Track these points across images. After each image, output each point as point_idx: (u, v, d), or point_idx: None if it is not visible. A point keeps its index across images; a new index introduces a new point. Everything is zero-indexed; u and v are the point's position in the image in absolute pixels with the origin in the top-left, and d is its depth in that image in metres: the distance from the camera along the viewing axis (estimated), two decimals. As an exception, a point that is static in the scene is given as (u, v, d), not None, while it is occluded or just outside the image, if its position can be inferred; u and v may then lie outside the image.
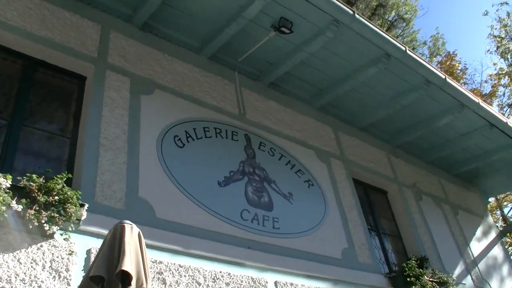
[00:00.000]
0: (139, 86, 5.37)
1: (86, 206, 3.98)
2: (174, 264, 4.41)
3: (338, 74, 6.79)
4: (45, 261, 3.70)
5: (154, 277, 4.21)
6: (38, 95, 4.84)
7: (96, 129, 4.72)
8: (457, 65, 17.67)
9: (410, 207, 7.71)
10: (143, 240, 3.01)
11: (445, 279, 6.43)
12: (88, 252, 3.99)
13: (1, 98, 4.60)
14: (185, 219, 4.76)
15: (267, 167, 5.94)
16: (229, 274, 4.71)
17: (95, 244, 4.05)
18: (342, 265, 5.80)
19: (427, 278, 6.16)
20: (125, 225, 2.83)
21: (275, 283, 5.02)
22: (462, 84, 16.47)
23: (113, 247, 2.62)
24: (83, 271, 3.87)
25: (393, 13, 19.57)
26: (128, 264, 2.44)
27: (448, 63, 17.51)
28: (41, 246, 3.75)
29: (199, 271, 4.53)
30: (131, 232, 2.80)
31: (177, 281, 4.33)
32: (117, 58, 5.43)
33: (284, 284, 5.06)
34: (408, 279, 6.00)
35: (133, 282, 2.51)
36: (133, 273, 2.49)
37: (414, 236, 7.30)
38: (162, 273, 4.28)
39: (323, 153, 6.92)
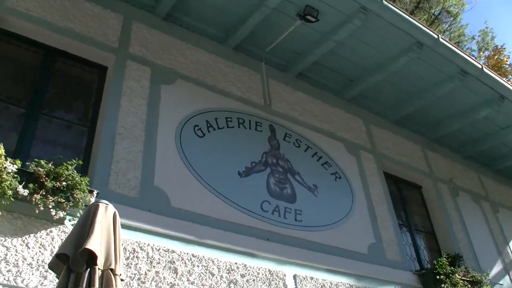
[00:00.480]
0: (160, 76, 5.29)
1: (96, 192, 3.90)
2: (187, 253, 4.29)
3: (368, 63, 6.48)
4: (54, 246, 3.65)
5: (165, 266, 4.10)
6: (57, 85, 4.83)
7: (114, 118, 4.66)
8: (505, 59, 16.76)
9: (446, 203, 7.29)
10: (118, 221, 2.86)
11: (479, 278, 6.01)
12: (99, 239, 3.92)
13: (21, 87, 4.61)
14: (201, 208, 4.63)
15: (291, 158, 5.73)
16: (244, 265, 4.54)
17: (107, 231, 3.98)
18: (368, 261, 5.52)
19: (459, 277, 5.77)
20: (100, 204, 2.69)
21: (294, 276, 4.81)
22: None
23: (85, 226, 2.49)
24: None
25: (439, 7, 18.83)
26: (95, 244, 2.31)
27: (496, 57, 16.63)
28: (51, 231, 3.71)
29: (213, 261, 4.38)
30: (105, 212, 2.66)
31: (189, 270, 4.20)
32: (139, 48, 5.36)
33: (304, 278, 4.85)
34: (438, 277, 5.63)
35: (100, 262, 2.37)
36: (99, 252, 2.35)
37: (448, 233, 6.89)
38: (174, 262, 4.16)
39: (352, 145, 6.64)
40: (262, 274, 4.60)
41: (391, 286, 5.51)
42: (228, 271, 4.42)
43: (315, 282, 4.91)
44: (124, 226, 3.96)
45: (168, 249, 4.21)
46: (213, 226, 4.59)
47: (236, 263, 4.50)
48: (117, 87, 4.90)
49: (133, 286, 3.86)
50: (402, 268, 5.81)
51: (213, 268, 4.35)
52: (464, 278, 5.91)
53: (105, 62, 5.13)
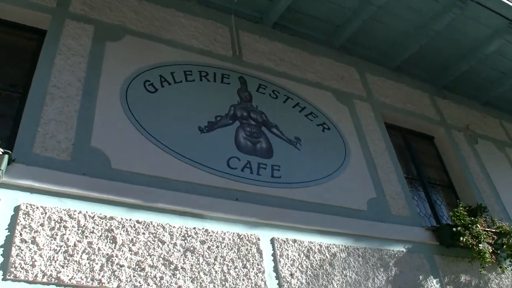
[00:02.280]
0: (105, 33, 4.51)
1: (7, 155, 3.13)
2: (130, 220, 3.44)
3: (352, 3, 5.48)
4: None
5: (101, 236, 3.26)
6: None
7: (46, 78, 3.90)
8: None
9: (463, 153, 6.15)
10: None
11: (507, 228, 4.87)
12: (17, 209, 3.12)
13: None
14: (149, 169, 3.78)
15: (267, 110, 4.81)
16: (206, 230, 3.65)
17: (28, 199, 3.20)
18: (368, 218, 4.51)
19: (481, 228, 4.66)
20: None
21: (272, 240, 3.87)
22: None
23: None
24: (7, 230, 3.03)
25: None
26: None
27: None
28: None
29: (163, 227, 3.51)
30: None
31: (132, 239, 3.35)
32: (80, 6, 4.60)
33: (284, 241, 3.90)
34: (455, 229, 4.55)
35: None
36: None
37: (469, 184, 5.75)
38: (112, 230, 3.32)
39: (343, 94, 5.65)
40: (229, 239, 3.70)
41: (399, 245, 4.48)
42: (183, 238, 3.54)
43: (299, 245, 3.95)
44: (51, 193, 3.28)
45: (105, 216, 3.37)
46: (165, 188, 3.73)
47: (194, 228, 3.62)
48: (52, 47, 4.14)
49: (58, 260, 3.04)
50: (412, 224, 4.76)
51: (164, 235, 3.48)
52: (488, 229, 4.80)
53: (42, 25, 4.39)
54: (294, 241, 3.95)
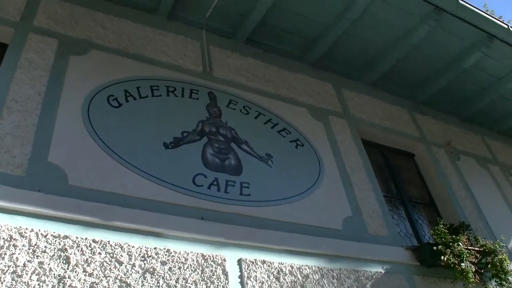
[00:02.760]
0: (69, 47, 4.45)
1: None
2: (86, 239, 3.30)
3: (328, 17, 5.48)
4: None
5: (53, 256, 3.12)
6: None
7: (3, 91, 3.80)
8: None
9: (445, 169, 6.09)
10: None
11: (491, 247, 4.78)
12: (-39, 227, 3.01)
13: None
14: (109, 186, 3.66)
15: (237, 126, 4.74)
16: (167, 250, 3.51)
17: (-27, 217, 3.09)
18: (344, 237, 4.41)
19: (463, 246, 4.57)
20: None
21: (239, 261, 3.73)
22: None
23: None
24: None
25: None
26: None
27: None
28: None
29: (121, 247, 3.38)
30: None
31: (87, 259, 3.21)
32: (45, 20, 4.55)
33: (252, 263, 3.77)
34: (435, 248, 4.45)
35: None
36: None
37: (451, 202, 5.67)
38: (66, 250, 3.18)
39: (319, 111, 5.60)
40: (193, 260, 3.56)
41: (376, 265, 4.35)
42: (143, 258, 3.40)
43: (269, 266, 3.82)
44: (2, 210, 3.16)
45: (59, 235, 3.24)
46: (124, 205, 3.61)
47: (155, 248, 3.49)
48: (13, 60, 4.06)
49: (5, 281, 2.90)
50: (390, 243, 4.65)
51: (122, 256, 3.34)
52: (471, 248, 4.70)
53: (4, 39, 4.33)
54: (263, 262, 3.82)
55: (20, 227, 3.15)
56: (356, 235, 4.50)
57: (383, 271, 4.33)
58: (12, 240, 3.07)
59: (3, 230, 3.09)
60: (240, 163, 4.42)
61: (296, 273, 3.90)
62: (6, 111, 3.71)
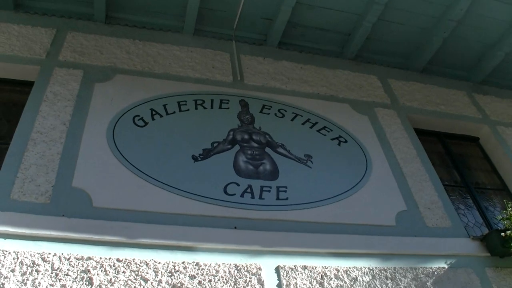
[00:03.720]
0: (94, 75, 4.57)
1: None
2: (110, 259, 3.25)
3: (355, 6, 5.23)
4: None
5: (76, 278, 3.09)
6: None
7: (29, 125, 3.95)
8: None
9: (516, 149, 5.48)
10: None
11: None
12: (-11, 257, 3.09)
13: None
14: (135, 204, 3.62)
15: (272, 130, 4.56)
16: (196, 264, 3.37)
17: (0, 245, 3.15)
18: (398, 234, 4.02)
19: (540, 230, 3.98)
20: None
21: (277, 268, 3.50)
22: None
23: None
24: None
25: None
26: None
27: None
28: None
29: (147, 264, 3.29)
30: None
31: (110, 279, 3.15)
32: (70, 54, 4.73)
33: (292, 269, 3.51)
34: (503, 234, 3.92)
35: None
36: None
37: (527, 184, 5.07)
38: (89, 271, 3.15)
39: (362, 104, 5.30)
40: (224, 272, 3.38)
41: (438, 261, 3.91)
42: (170, 274, 3.28)
43: (311, 272, 3.54)
44: (25, 237, 3.22)
45: (82, 257, 3.22)
46: (151, 222, 3.53)
47: (183, 263, 3.36)
48: (39, 95, 4.23)
49: (28, 307, 2.92)
50: (454, 235, 4.17)
51: (147, 273, 3.24)
52: (554, 232, 4.09)
53: (31, 77, 4.54)
54: (304, 267, 3.56)
55: (43, 252, 3.17)
56: (413, 230, 4.09)
57: (446, 266, 3.87)
58: (35, 265, 3.09)
59: (26, 257, 3.12)
60: (276, 167, 4.23)
61: (343, 277, 3.58)
62: (30, 143, 3.82)
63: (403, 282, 3.68)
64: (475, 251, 4.08)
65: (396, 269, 3.76)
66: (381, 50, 5.80)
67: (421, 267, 3.85)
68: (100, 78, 4.57)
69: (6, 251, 3.11)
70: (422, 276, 3.77)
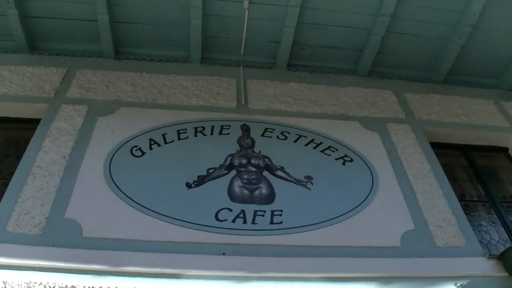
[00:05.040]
0: (98, 110, 4.88)
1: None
2: (93, 287, 3.46)
3: (362, 21, 5.25)
4: None
5: (57, 308, 3.33)
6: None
7: (31, 160, 4.29)
8: None
9: (549, 159, 5.16)
10: None
11: None
12: (-17, 287, 3.38)
13: None
14: (123, 233, 3.78)
15: (272, 153, 4.62)
16: (180, 291, 3.49)
17: (-4, 276, 3.45)
18: (403, 255, 3.90)
19: None
20: None
21: (266, 295, 3.55)
22: None
23: None
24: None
25: None
26: None
27: None
28: None
29: (129, 291, 3.46)
30: None
31: (92, 308, 3.34)
32: (77, 90, 5.10)
33: (284, 295, 3.55)
34: (521, 250, 3.70)
35: None
36: None
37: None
38: (71, 301, 3.36)
39: (373, 121, 5.25)
40: (209, 298, 3.48)
41: (446, 283, 3.76)
42: (153, 301, 3.43)
43: (303, 297, 3.56)
44: (15, 267, 3.48)
45: (66, 285, 3.43)
46: (138, 250, 3.68)
47: (168, 290, 3.49)
48: (43, 131, 4.59)
49: (9, 338, 3.15)
50: (468, 254, 3.99)
51: (130, 300, 3.41)
52: None
53: (39, 115, 4.93)
54: (299, 293, 3.57)
55: (30, 281, 3.40)
56: (420, 250, 3.95)
57: (456, 289, 3.72)
58: (20, 294, 3.34)
59: (13, 286, 3.37)
60: (273, 191, 4.27)
61: (338, 303, 3.55)
62: (30, 177, 4.13)
63: (405, 307, 3.58)
64: (491, 271, 3.86)
65: (397, 293, 3.67)
66: (396, 63, 5.74)
67: (427, 290, 3.72)
68: (104, 112, 4.87)
69: (-3, 280, 3.38)
70: (427, 300, 3.64)
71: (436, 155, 4.95)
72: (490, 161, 5.36)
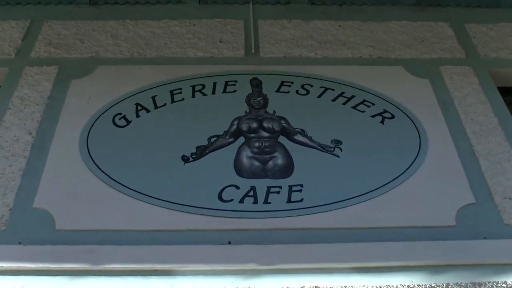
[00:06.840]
0: (71, 71, 5.05)
1: None
2: (68, 290, 3.67)
3: None
4: None
5: (25, 317, 3.55)
6: None
7: (-12, 140, 4.53)
8: None
9: None
10: None
11: None
12: None
13: None
14: (106, 223, 3.95)
15: (290, 113, 4.70)
16: (173, 290, 3.66)
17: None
18: (459, 236, 3.93)
19: None
20: None
21: (281, 291, 3.68)
22: None
23: None
24: None
25: None
26: None
27: None
28: None
29: (112, 293, 3.65)
30: None
31: (63, 315, 3.55)
32: (44, 48, 5.26)
33: (305, 292, 3.67)
34: None
35: None
36: None
37: None
38: (41, 307, 3.58)
39: (423, 64, 5.25)
40: (207, 299, 3.64)
41: (515, 270, 3.82)
42: (139, 304, 3.61)
43: (327, 294, 3.67)
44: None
45: (37, 290, 3.67)
46: (123, 243, 3.85)
47: (158, 290, 3.67)
48: (3, 101, 4.80)
49: None
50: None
51: (112, 303, 3.60)
52: None
53: (-1, 80, 5.15)
54: (316, 288, 3.68)
55: (-13, 287, 3.65)
56: (482, 230, 3.98)
57: (532, 279, 3.75)
58: (-26, 303, 3.57)
59: (-33, 295, 3.62)
60: (291, 161, 4.36)
61: (371, 299, 3.65)
62: (-13, 162, 4.36)
63: (462, 303, 3.66)
64: None
65: (450, 286, 3.72)
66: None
67: (491, 281, 3.76)
68: (78, 73, 5.02)
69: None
70: (492, 294, 3.70)
71: (507, 104, 4.92)
72: None
